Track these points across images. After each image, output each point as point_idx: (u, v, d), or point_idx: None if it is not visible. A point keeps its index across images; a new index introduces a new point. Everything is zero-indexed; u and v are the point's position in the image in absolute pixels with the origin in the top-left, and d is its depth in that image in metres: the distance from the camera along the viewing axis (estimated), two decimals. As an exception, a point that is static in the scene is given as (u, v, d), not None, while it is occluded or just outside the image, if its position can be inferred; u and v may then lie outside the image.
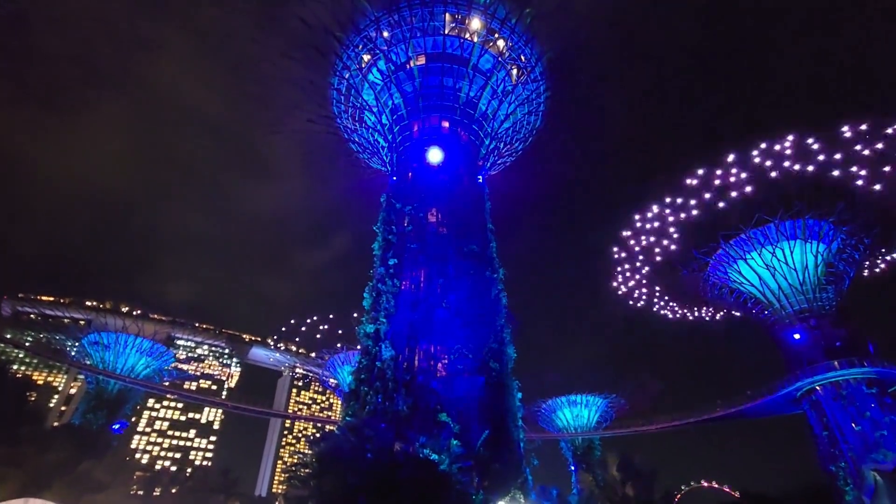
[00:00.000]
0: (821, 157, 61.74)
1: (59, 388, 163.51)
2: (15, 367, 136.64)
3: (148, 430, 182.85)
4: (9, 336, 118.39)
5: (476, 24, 52.92)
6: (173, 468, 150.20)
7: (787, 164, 62.67)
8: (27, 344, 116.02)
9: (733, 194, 65.39)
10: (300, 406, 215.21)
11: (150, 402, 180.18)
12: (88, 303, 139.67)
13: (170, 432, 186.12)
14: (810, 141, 61.92)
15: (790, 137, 62.53)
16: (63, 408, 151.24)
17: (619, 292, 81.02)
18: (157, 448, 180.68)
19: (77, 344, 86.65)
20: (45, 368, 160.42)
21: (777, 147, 62.87)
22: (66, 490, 43.14)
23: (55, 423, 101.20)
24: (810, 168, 62.21)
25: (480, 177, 54.73)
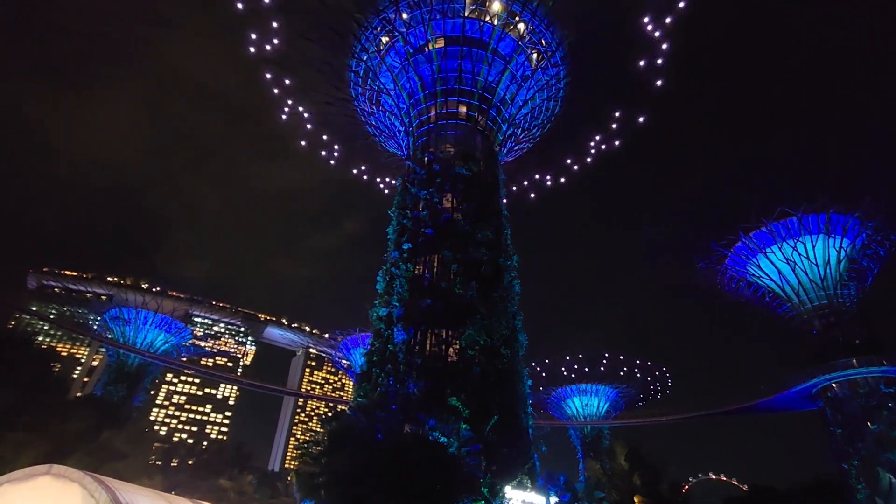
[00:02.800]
0: (847, 149, 59.95)
1: (82, 360, 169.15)
2: (40, 338, 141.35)
3: (166, 403, 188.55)
4: (34, 309, 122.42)
5: (496, 6, 51.91)
6: (190, 441, 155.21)
7: (812, 155, 60.99)
8: (52, 316, 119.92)
9: (755, 186, 64.01)
10: (313, 385, 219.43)
11: (169, 376, 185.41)
12: (110, 278, 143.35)
13: (187, 406, 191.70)
14: (837, 132, 60.05)
15: (816, 128, 60.74)
16: (85, 379, 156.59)
17: (635, 282, 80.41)
18: (174, 421, 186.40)
19: (99, 318, 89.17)
20: (68, 341, 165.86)
21: (802, 138, 61.15)
22: (88, 458, 44.71)
23: (78, 394, 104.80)
24: (836, 160, 60.50)
25: (497, 163, 54.28)
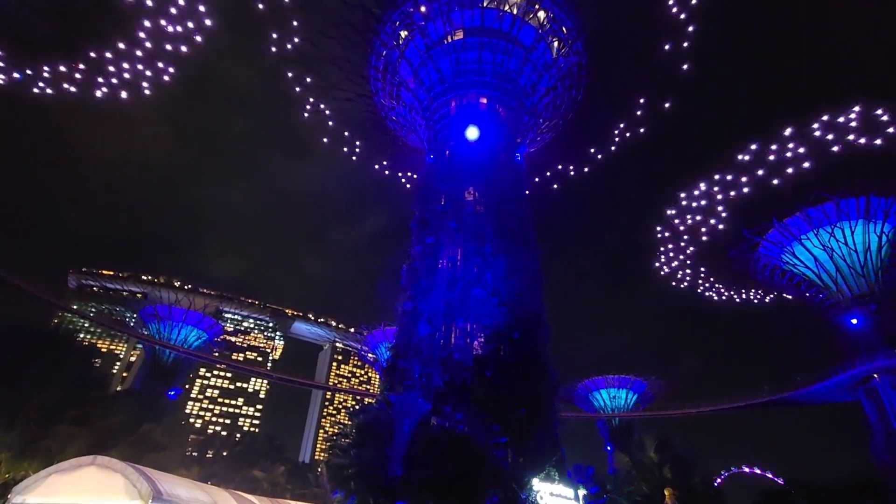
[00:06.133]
0: (889, 130, 57.12)
1: (121, 356, 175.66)
2: (81, 335, 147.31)
3: (200, 397, 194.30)
4: (75, 307, 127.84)
5: (516, -6, 51.18)
6: (224, 433, 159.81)
7: (850, 137, 58.32)
8: (91, 314, 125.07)
9: (789, 170, 61.67)
10: (340, 379, 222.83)
11: (202, 371, 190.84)
12: (144, 277, 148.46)
13: (220, 399, 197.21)
14: (878, 112, 57.29)
15: (856, 109, 58.05)
16: (124, 374, 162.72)
17: (662, 272, 78.71)
18: (208, 414, 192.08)
19: (135, 315, 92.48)
20: (107, 337, 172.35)
21: (840, 119, 58.52)
22: (130, 450, 46.56)
23: (118, 388, 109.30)
24: (877, 142, 57.73)
25: (519, 154, 53.74)
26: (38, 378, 47.58)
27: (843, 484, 58.58)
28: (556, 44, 53.96)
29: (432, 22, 51.91)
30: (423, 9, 51.81)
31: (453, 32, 51.92)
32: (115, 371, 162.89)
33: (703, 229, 69.92)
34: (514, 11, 51.12)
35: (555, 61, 53.73)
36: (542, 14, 52.31)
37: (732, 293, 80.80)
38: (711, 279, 78.71)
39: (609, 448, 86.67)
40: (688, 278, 79.10)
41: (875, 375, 57.98)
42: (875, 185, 58.68)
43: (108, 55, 51.93)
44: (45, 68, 50.88)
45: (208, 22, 52.33)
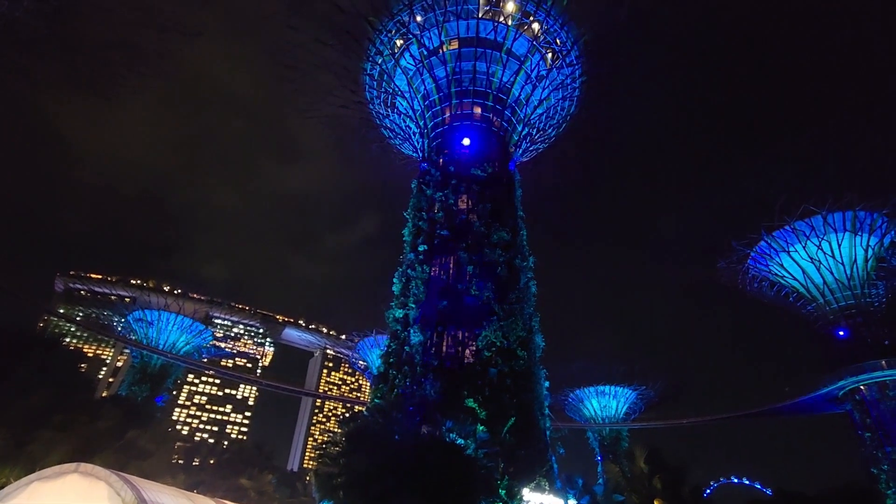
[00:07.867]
0: (876, 145, 58.31)
1: (107, 361, 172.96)
2: (67, 339, 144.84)
3: (188, 403, 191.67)
4: (62, 311, 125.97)
5: (511, 6, 51.82)
6: (211, 440, 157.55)
7: (838, 151, 59.46)
8: (78, 318, 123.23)
9: (778, 183, 62.66)
10: (330, 386, 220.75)
11: (190, 377, 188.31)
12: (133, 281, 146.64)
13: (208, 406, 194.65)
14: (866, 127, 58.46)
15: (843, 123, 59.18)
16: (111, 379, 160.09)
17: (653, 283, 79.24)
18: (196, 421, 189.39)
19: (123, 320, 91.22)
20: (94, 342, 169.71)
21: (828, 134, 59.65)
22: (115, 456, 45.75)
23: (104, 394, 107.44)
24: (864, 156, 58.92)
25: (512, 163, 54.10)
26: (22, 382, 46.71)
27: (831, 494, 58.79)
28: (549, 55, 54.61)
29: (427, 31, 52.36)
30: (418, 18, 52.27)
31: (448, 42, 52.40)
32: (101, 376, 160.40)
33: (694, 240, 70.56)
34: (509, 23, 51.73)
35: (548, 73, 54.33)
36: (536, 26, 52.97)
37: (722, 303, 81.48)
38: (701, 290, 79.38)
39: (599, 458, 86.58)
40: (678, 288, 79.65)
41: (862, 387, 58.63)
42: (862, 199, 59.74)
43: (102, 57, 51.64)
44: (37, 68, 50.55)
45: (204, 25, 52.27)
